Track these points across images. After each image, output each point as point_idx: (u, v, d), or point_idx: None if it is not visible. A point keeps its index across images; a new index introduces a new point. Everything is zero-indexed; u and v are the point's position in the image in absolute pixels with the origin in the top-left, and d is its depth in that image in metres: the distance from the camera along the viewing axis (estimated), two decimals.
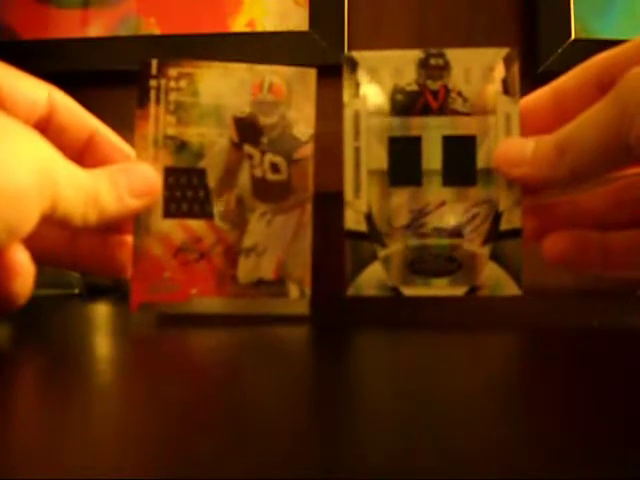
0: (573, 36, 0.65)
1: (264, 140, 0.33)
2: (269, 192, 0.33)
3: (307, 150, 0.33)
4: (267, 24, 0.68)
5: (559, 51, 0.65)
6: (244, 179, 0.33)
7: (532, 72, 0.66)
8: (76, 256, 0.33)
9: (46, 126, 0.30)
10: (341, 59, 0.63)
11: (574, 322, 0.33)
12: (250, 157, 0.33)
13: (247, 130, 0.33)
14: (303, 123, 0.33)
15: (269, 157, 0.33)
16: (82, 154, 0.31)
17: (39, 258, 0.27)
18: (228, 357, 0.25)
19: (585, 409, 0.16)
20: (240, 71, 0.33)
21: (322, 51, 0.66)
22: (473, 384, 0.20)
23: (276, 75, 0.33)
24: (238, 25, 0.69)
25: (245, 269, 0.33)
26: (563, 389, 0.19)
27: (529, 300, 0.34)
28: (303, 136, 0.33)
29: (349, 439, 0.14)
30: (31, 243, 0.27)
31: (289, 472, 0.12)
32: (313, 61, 0.66)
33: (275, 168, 0.33)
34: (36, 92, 0.30)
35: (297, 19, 0.68)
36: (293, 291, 0.33)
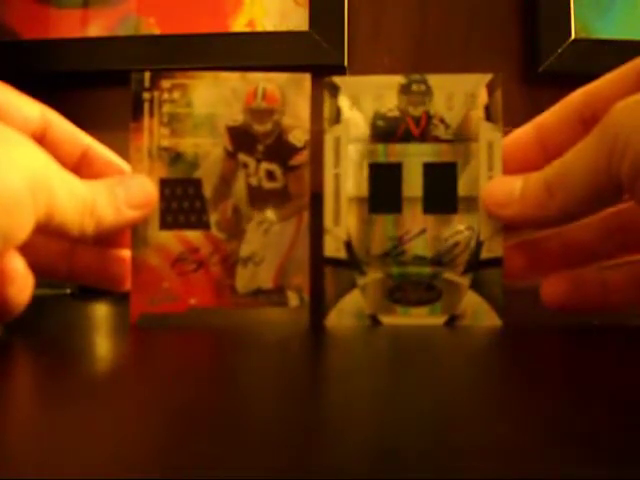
0: (573, 36, 0.65)
1: (259, 148, 0.33)
2: (265, 200, 0.33)
3: (303, 156, 0.33)
4: (267, 24, 0.68)
5: (559, 51, 0.65)
6: (240, 188, 0.33)
7: (532, 72, 0.66)
8: (73, 269, 0.33)
9: (40, 143, 0.30)
10: (340, 59, 0.64)
11: (574, 322, 0.33)
12: (245, 166, 0.33)
13: (241, 139, 0.33)
14: (298, 129, 0.33)
15: (264, 165, 0.33)
16: (76, 170, 0.32)
17: (36, 270, 0.27)
18: (227, 357, 0.25)
19: (585, 409, 0.16)
20: (233, 80, 0.33)
21: (322, 51, 0.66)
22: (470, 383, 0.20)
23: (269, 82, 0.33)
24: (238, 25, 0.68)
25: (243, 278, 0.33)
26: (563, 388, 0.19)
27: (528, 299, 0.34)
28: (299, 142, 0.33)
29: (347, 438, 0.14)
30: (28, 255, 0.27)
31: (289, 472, 0.12)
32: (313, 61, 0.66)
33: (271, 176, 0.33)
34: (30, 108, 0.30)
35: (297, 19, 0.68)
36: (292, 299, 0.33)
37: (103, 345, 0.29)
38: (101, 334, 0.32)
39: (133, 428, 0.15)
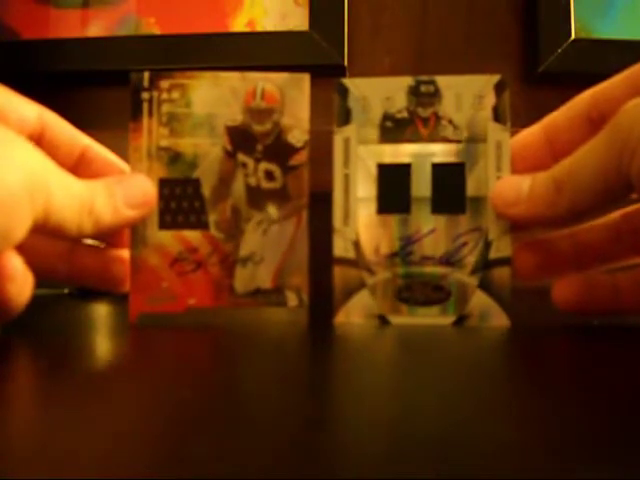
0: (573, 36, 0.65)
1: (258, 148, 0.33)
2: (264, 200, 0.33)
3: (302, 156, 0.33)
4: (267, 24, 0.68)
5: (559, 51, 0.64)
6: (239, 188, 0.33)
7: (532, 72, 0.66)
8: (73, 270, 0.33)
9: (38, 143, 0.30)
10: (340, 59, 0.63)
11: (574, 322, 0.33)
12: (244, 166, 0.33)
13: (240, 138, 0.33)
14: (297, 129, 0.33)
15: (263, 165, 0.33)
16: (75, 171, 0.32)
17: (35, 271, 0.27)
18: (226, 356, 0.25)
19: (585, 409, 0.16)
20: (232, 80, 0.33)
21: (322, 51, 0.66)
22: (471, 383, 0.20)
23: (269, 82, 0.33)
24: (238, 25, 0.68)
25: (242, 278, 0.33)
26: (563, 389, 0.19)
27: (528, 299, 0.34)
28: (298, 142, 0.33)
29: (348, 439, 0.14)
30: (27, 256, 0.27)
31: (289, 472, 0.12)
32: (313, 61, 0.66)
33: (270, 176, 0.33)
34: (27, 109, 0.30)
35: (297, 19, 0.68)
36: (291, 299, 0.33)
37: (102, 345, 0.29)
38: (100, 334, 0.32)
39: (133, 428, 0.15)
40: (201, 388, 0.19)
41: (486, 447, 0.13)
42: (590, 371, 0.22)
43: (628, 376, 0.21)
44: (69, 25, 0.69)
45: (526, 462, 0.12)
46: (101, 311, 0.42)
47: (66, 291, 0.54)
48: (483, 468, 0.12)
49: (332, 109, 0.33)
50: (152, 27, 0.69)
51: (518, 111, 0.34)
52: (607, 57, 0.64)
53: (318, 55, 0.66)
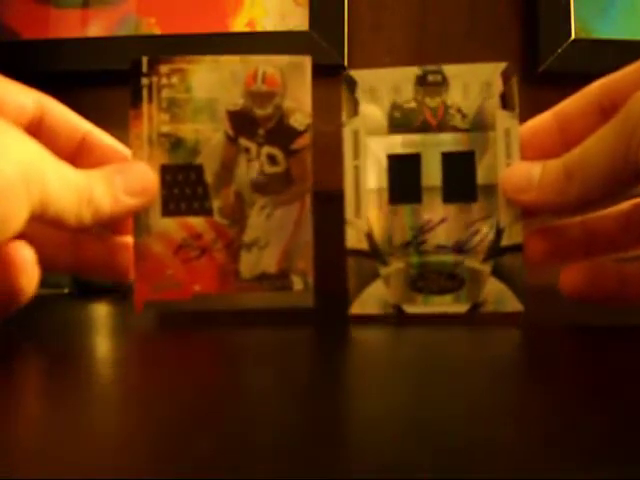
0: (573, 36, 0.65)
1: (260, 132, 0.33)
2: (268, 185, 0.33)
3: (305, 140, 0.33)
4: (267, 24, 0.68)
5: (559, 51, 0.65)
6: (242, 173, 0.33)
7: (532, 72, 0.66)
8: (78, 261, 0.33)
9: (37, 130, 0.30)
10: (340, 59, 0.64)
11: (574, 322, 0.33)
12: (247, 150, 0.33)
13: (242, 123, 0.33)
14: (300, 112, 0.33)
15: (266, 149, 0.33)
16: (76, 157, 0.32)
17: (40, 264, 0.27)
18: (227, 356, 0.25)
19: (585, 409, 0.16)
20: (232, 63, 0.33)
21: (322, 51, 0.66)
22: (472, 383, 0.20)
23: (270, 65, 0.33)
24: (238, 25, 0.69)
25: (247, 263, 0.33)
26: (563, 389, 0.19)
27: (529, 299, 0.34)
28: (300, 126, 0.33)
29: (349, 439, 0.14)
30: (32, 247, 0.27)
31: (289, 472, 0.12)
32: (313, 61, 0.66)
33: (273, 160, 0.33)
34: (24, 96, 0.30)
35: (297, 19, 0.68)
36: (297, 283, 0.33)
37: (102, 345, 0.29)
38: (100, 334, 0.32)
39: (133, 428, 0.15)
40: (202, 388, 0.19)
41: (486, 447, 0.13)
42: (591, 371, 0.22)
43: (629, 376, 0.21)
44: (69, 25, 0.70)
45: (526, 462, 0.12)
46: (101, 311, 0.42)
47: (66, 291, 0.54)
48: (483, 468, 0.12)
49: (340, 103, 0.33)
50: (152, 27, 0.69)
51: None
52: (607, 57, 0.64)
53: (318, 55, 0.66)
